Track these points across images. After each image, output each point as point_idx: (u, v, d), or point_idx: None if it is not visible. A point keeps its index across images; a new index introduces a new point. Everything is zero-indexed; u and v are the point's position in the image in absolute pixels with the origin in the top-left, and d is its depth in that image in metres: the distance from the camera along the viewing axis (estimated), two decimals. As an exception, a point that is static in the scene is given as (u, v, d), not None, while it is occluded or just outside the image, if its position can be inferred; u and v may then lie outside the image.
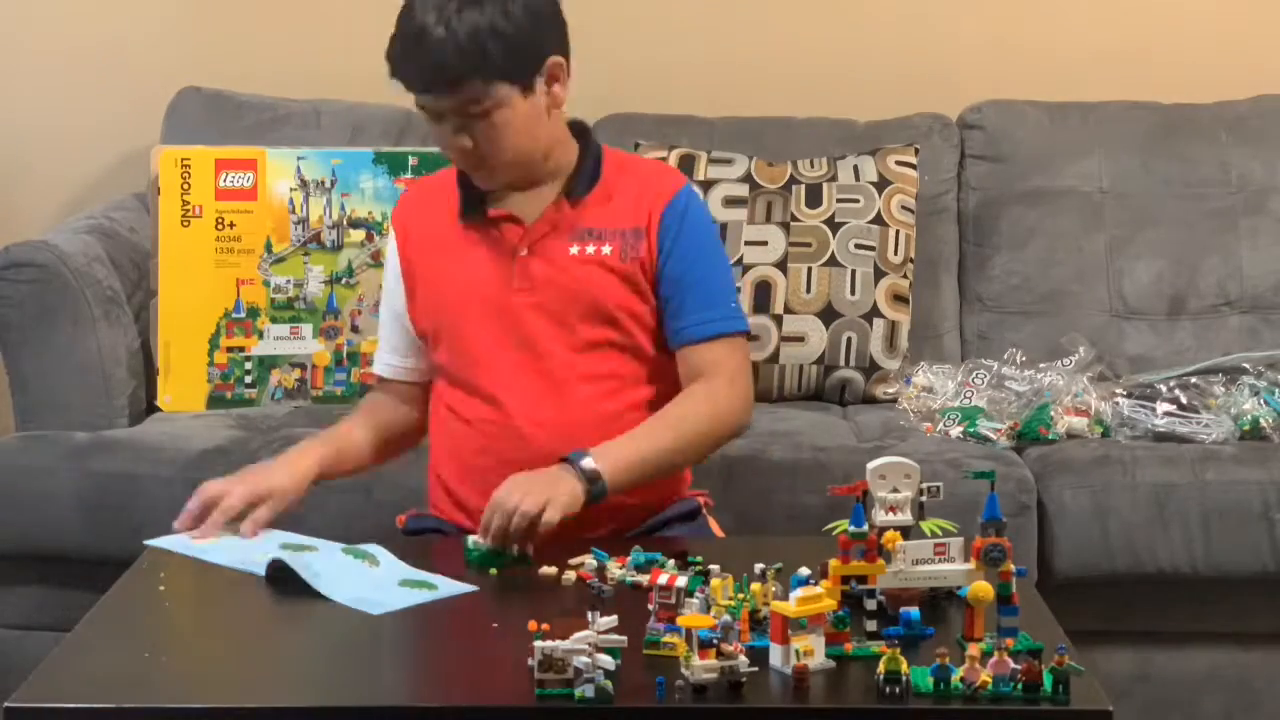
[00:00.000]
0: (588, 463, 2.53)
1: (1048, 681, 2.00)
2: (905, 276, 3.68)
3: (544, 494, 2.46)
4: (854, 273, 3.64)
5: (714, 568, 2.33)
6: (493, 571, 2.42)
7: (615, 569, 2.39)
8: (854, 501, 2.18)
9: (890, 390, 3.63)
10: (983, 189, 3.89)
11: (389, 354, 2.82)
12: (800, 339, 3.62)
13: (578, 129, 2.75)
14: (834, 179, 3.72)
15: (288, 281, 3.60)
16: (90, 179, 4.07)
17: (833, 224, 3.66)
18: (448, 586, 2.35)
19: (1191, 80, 3.99)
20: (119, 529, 3.14)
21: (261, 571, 2.38)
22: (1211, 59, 4.03)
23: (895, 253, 3.67)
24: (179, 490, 3.16)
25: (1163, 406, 3.41)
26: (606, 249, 2.68)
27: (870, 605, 2.14)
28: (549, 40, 2.64)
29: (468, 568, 2.43)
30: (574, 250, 2.68)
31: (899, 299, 3.66)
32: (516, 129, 2.62)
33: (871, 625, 2.14)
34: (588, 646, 1.99)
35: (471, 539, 2.47)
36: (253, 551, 2.45)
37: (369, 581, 2.36)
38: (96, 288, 3.42)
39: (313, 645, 2.28)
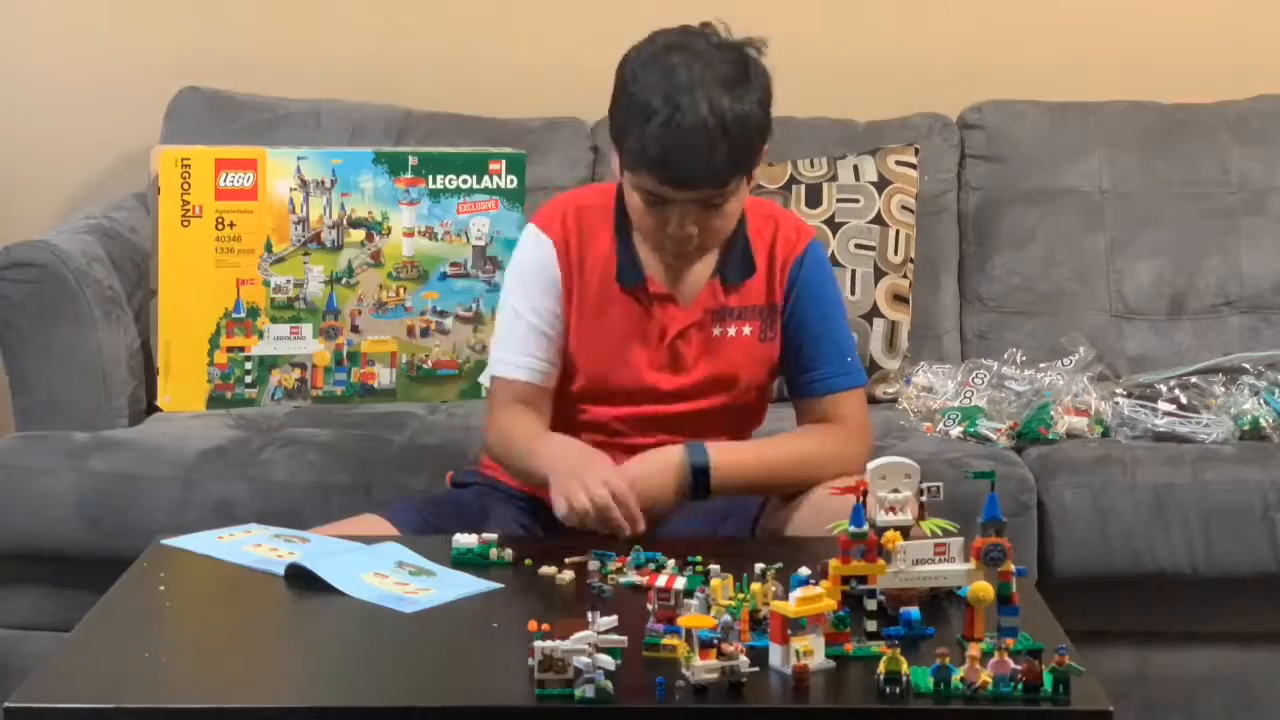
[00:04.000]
0: (705, 478, 2.64)
1: (1048, 681, 2.00)
2: (905, 276, 3.68)
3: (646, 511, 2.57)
4: (854, 273, 3.64)
5: (714, 568, 2.33)
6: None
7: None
8: (854, 501, 2.18)
9: (890, 390, 3.63)
10: (983, 189, 3.89)
11: (532, 357, 2.75)
12: (800, 339, 3.62)
13: None
14: (834, 179, 3.72)
15: (288, 281, 3.59)
16: (90, 179, 4.07)
17: (833, 224, 3.66)
18: (449, 577, 2.39)
19: (1191, 80, 3.98)
20: (119, 529, 3.15)
21: (279, 571, 2.39)
22: (1211, 59, 4.03)
23: (895, 253, 3.67)
24: (179, 490, 3.20)
25: (1163, 406, 3.41)
26: (747, 330, 2.75)
27: (870, 605, 2.15)
28: (771, 124, 2.64)
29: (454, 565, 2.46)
30: (717, 332, 2.74)
31: (899, 299, 3.66)
32: (735, 215, 2.65)
33: (871, 625, 2.14)
34: (588, 646, 1.99)
35: (458, 538, 2.49)
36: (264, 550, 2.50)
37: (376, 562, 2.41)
38: (96, 288, 3.42)
39: (312, 645, 2.28)
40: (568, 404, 2.78)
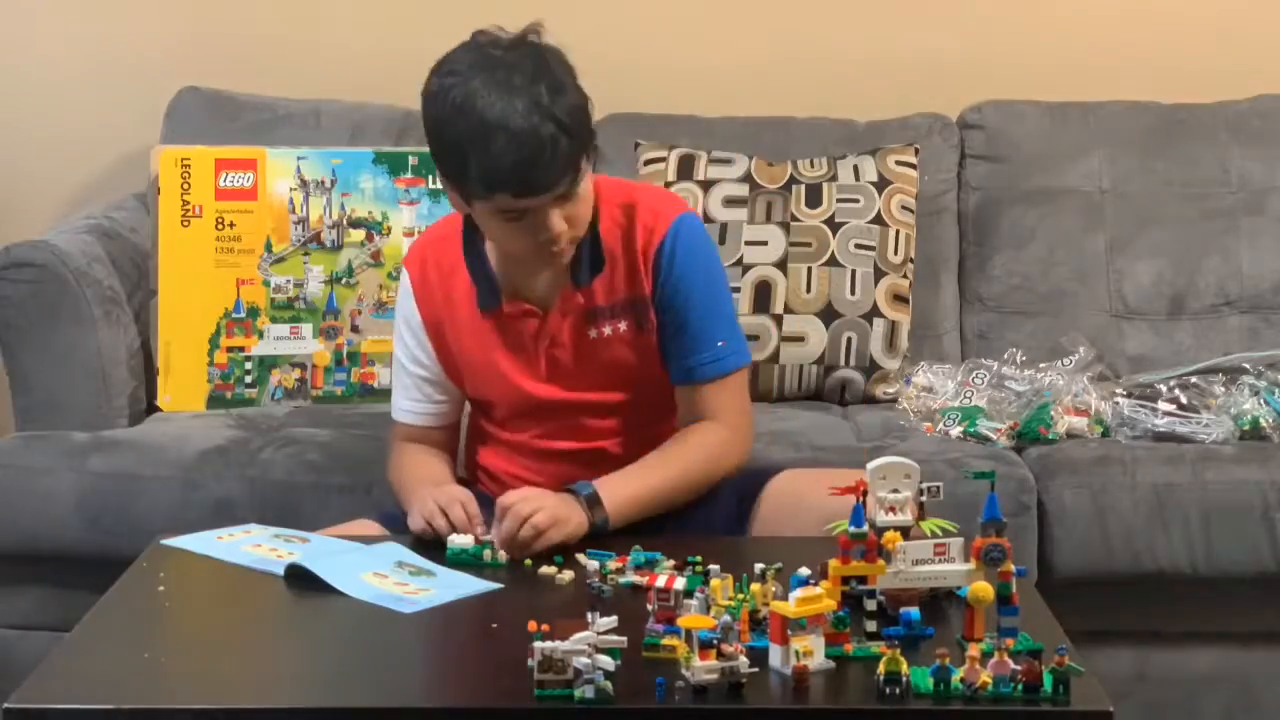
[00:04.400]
0: (594, 499, 2.58)
1: (1048, 682, 2.00)
2: (905, 276, 3.68)
3: (557, 515, 2.52)
4: (854, 273, 3.64)
5: (714, 568, 2.33)
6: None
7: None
8: (854, 501, 2.18)
9: (890, 390, 3.63)
10: (983, 189, 3.89)
11: (415, 401, 2.83)
12: (800, 339, 3.62)
13: None
14: (834, 179, 3.72)
15: (288, 281, 3.60)
16: (90, 179, 4.07)
17: (833, 224, 3.66)
18: (449, 577, 2.39)
19: (1191, 80, 3.98)
20: (119, 529, 3.14)
21: (279, 571, 2.39)
22: (1211, 59, 4.03)
23: (895, 253, 3.67)
24: (179, 490, 3.20)
25: (1163, 406, 3.41)
26: (622, 326, 2.72)
27: (870, 605, 2.14)
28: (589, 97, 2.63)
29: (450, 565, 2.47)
30: (593, 334, 2.71)
31: (899, 299, 3.66)
32: (591, 195, 2.63)
33: (871, 625, 2.14)
34: (588, 647, 1.99)
35: (453, 538, 2.49)
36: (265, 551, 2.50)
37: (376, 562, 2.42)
38: (96, 288, 3.42)
39: (312, 646, 2.28)
40: (495, 429, 2.81)
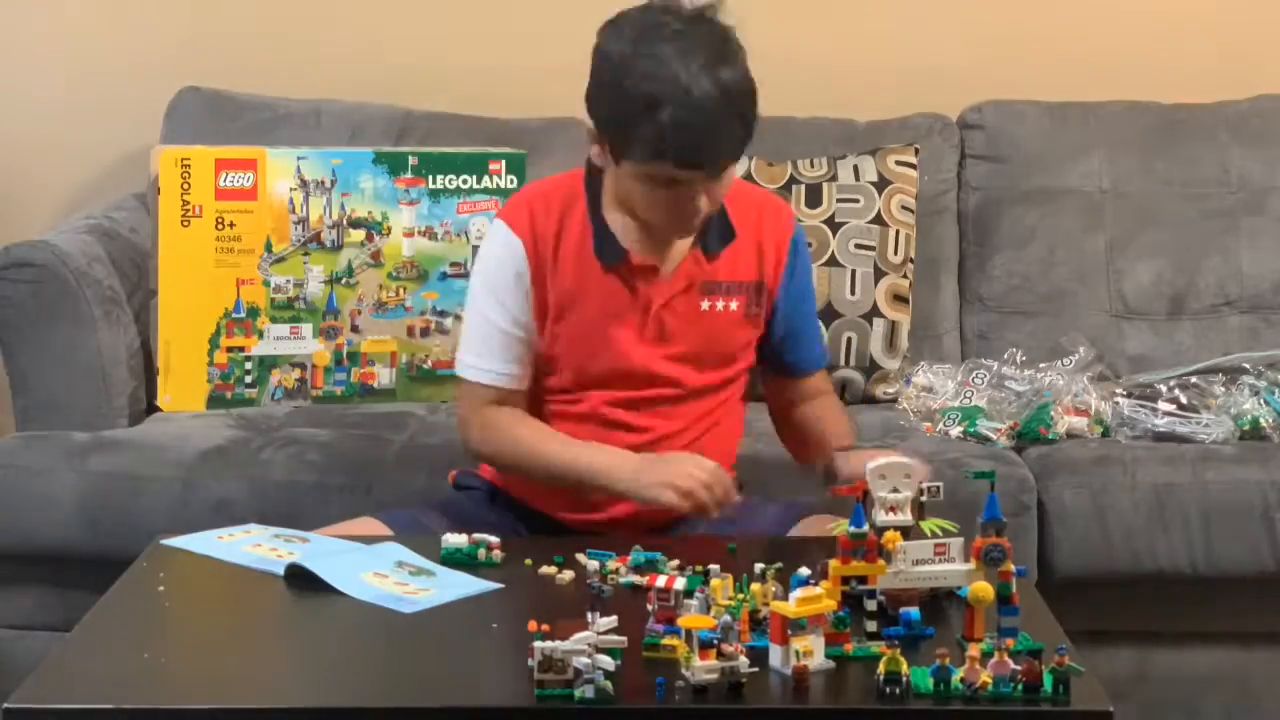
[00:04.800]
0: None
1: (1048, 682, 2.00)
2: (905, 276, 3.68)
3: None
4: (854, 273, 3.64)
5: (714, 568, 2.33)
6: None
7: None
8: (854, 501, 2.18)
9: (890, 390, 3.63)
10: (983, 189, 3.89)
11: (507, 364, 2.75)
12: (800, 339, 3.62)
13: None
14: (834, 179, 3.72)
15: (288, 281, 3.59)
16: (90, 179, 4.07)
17: (833, 224, 3.66)
18: (449, 577, 2.39)
19: (1191, 80, 3.98)
20: (119, 529, 3.14)
21: (279, 571, 2.39)
22: (1211, 59, 4.03)
23: (895, 253, 3.67)
24: (179, 490, 3.20)
25: (1163, 406, 3.41)
26: (734, 304, 2.75)
27: (870, 605, 2.15)
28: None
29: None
30: (705, 305, 2.74)
31: (899, 299, 3.66)
32: (733, 179, 2.66)
33: (872, 625, 2.14)
34: (588, 647, 1.99)
35: (447, 537, 2.49)
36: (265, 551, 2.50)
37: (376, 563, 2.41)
38: (96, 288, 3.42)
39: (312, 645, 2.28)
40: (554, 397, 2.77)
